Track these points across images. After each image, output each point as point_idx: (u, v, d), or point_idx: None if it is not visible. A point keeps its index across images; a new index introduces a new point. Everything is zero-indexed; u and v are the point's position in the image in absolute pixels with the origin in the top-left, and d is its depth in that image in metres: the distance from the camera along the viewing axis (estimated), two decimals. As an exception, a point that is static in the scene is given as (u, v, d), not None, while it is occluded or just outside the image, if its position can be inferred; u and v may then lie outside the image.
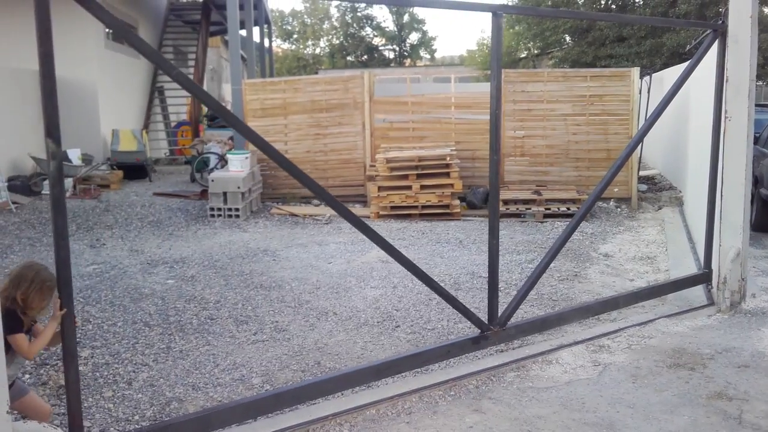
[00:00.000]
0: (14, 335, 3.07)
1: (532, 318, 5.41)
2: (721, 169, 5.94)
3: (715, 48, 6.06)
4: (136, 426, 3.99)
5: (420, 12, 55.03)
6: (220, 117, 3.84)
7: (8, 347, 3.10)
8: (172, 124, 18.77)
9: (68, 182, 12.27)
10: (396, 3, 4.75)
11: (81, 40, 14.76)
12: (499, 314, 4.80)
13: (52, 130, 3.04)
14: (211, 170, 12.52)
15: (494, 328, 4.76)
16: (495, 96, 4.54)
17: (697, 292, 6.45)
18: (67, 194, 12.02)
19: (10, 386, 3.26)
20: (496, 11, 4.49)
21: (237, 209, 10.42)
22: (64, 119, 14.00)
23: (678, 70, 11.51)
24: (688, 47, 8.99)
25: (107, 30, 16.31)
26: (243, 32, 17.66)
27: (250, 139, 3.87)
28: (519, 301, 4.96)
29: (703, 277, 6.30)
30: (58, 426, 3.51)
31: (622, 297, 5.85)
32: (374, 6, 54.47)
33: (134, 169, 14.34)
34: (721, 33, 5.97)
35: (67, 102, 14.60)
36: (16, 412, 3.34)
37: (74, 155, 13.34)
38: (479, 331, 4.72)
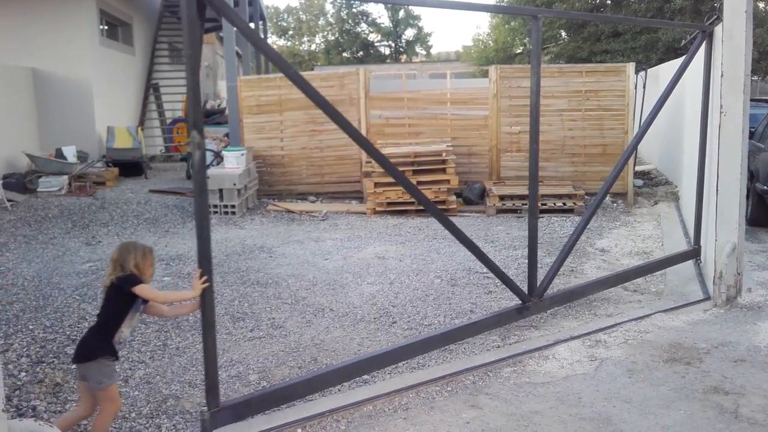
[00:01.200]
0: (139, 285, 3.44)
1: (561, 290, 5.90)
2: (717, 164, 5.97)
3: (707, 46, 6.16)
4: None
5: (415, 8, 54.99)
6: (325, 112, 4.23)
7: (127, 309, 3.50)
8: (168, 121, 18.69)
9: (63, 180, 12.23)
10: (445, 6, 4.99)
11: (75, 38, 14.70)
12: (536, 287, 5.33)
13: (197, 123, 3.46)
14: (207, 167, 12.48)
15: (534, 299, 5.29)
16: (535, 91, 5.11)
17: (693, 287, 6.47)
18: (62, 192, 12.00)
19: (117, 358, 3.55)
20: (537, 15, 5.13)
21: (233, 206, 10.40)
22: (60, 116, 14.09)
23: (673, 65, 11.53)
24: (683, 42, 9.02)
25: (101, 26, 16.25)
26: (238, 29, 17.60)
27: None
28: (552, 276, 5.47)
29: (694, 253, 6.93)
30: (53, 425, 3.50)
31: (632, 270, 6.48)
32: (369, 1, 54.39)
33: (130, 167, 14.29)
34: (708, 34, 6.34)
35: (62, 99, 14.61)
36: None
37: (69, 152, 13.30)
38: (521, 302, 5.24)
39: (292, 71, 3.99)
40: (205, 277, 3.45)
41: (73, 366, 4.76)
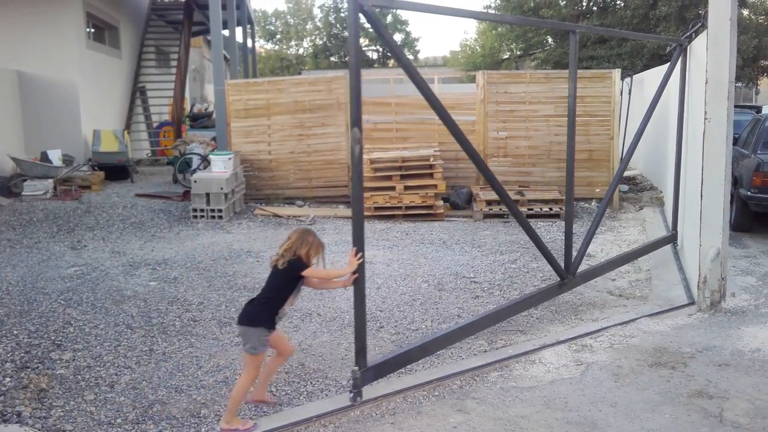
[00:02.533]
0: (308, 269, 3.95)
1: (588, 268, 6.55)
2: (701, 169, 6.02)
3: (696, 54, 6.32)
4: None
5: (403, 12, 55.03)
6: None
7: (293, 289, 3.98)
8: (154, 125, 18.62)
9: (49, 183, 12.14)
10: (494, 19, 5.45)
11: (62, 40, 14.61)
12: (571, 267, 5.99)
13: (358, 121, 4.08)
14: (194, 171, 12.44)
15: (569, 277, 5.93)
16: (572, 95, 6.10)
17: (678, 292, 6.53)
18: (48, 195, 11.91)
19: (274, 329, 3.99)
20: (574, 30, 5.90)
21: (220, 210, 10.36)
22: (45, 120, 13.99)
23: (658, 71, 11.63)
24: (668, 49, 9.17)
25: (88, 29, 16.17)
26: (226, 32, 17.58)
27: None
28: (581, 257, 6.13)
29: (671, 238, 8.01)
30: (39, 430, 3.48)
31: (630, 253, 7.38)
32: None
33: (116, 170, 14.21)
34: (683, 48, 7.25)
35: (48, 102, 14.52)
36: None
37: (55, 156, 13.21)
38: (560, 279, 5.87)
39: (418, 77, 4.66)
40: (360, 254, 4.08)
41: (52, 370, 4.74)
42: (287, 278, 3.93)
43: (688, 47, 7.14)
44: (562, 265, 5.90)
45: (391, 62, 56.20)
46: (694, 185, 6.74)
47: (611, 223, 10.14)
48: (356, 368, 4.14)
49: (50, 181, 12.20)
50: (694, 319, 5.77)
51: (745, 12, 22.24)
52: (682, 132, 7.56)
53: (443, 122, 4.89)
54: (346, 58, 54.46)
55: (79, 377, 4.69)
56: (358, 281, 4.16)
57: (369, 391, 4.39)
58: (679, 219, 7.90)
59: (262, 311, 3.92)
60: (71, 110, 14.82)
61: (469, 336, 5.11)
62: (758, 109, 17.71)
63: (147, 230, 9.71)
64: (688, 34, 6.96)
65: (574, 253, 6.08)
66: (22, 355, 5.06)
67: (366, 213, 10.42)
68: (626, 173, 13.98)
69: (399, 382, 4.53)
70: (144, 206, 11.36)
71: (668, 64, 7.31)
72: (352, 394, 4.14)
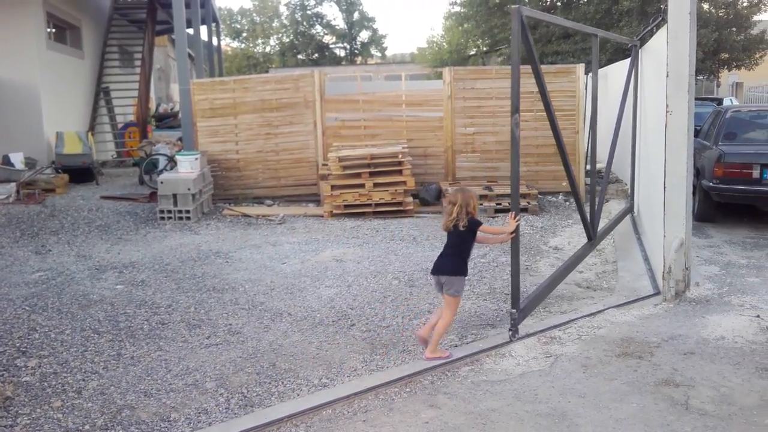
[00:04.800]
0: (484, 224, 4.91)
1: (601, 229, 7.97)
2: (664, 161, 6.13)
3: (651, 51, 6.54)
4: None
5: (370, 10, 55.10)
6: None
7: (473, 241, 4.88)
8: (119, 126, 18.34)
9: (11, 187, 11.89)
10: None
11: (22, 42, 14.32)
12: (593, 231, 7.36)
13: (517, 108, 5.40)
14: (161, 172, 12.29)
15: (594, 238, 7.35)
16: (594, 86, 7.60)
17: (644, 283, 6.63)
18: (10, 200, 11.67)
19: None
20: (596, 34, 7.56)
21: (188, 211, 10.25)
22: (6, 122, 13.74)
23: (621, 66, 11.80)
24: (629, 44, 9.36)
25: (49, 30, 15.86)
26: (190, 31, 17.38)
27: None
28: (598, 223, 7.63)
29: (629, 209, 9.75)
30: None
31: (613, 222, 8.84)
32: (324, 3, 54.40)
33: (80, 173, 13.96)
34: (637, 50, 8.64)
35: (9, 104, 14.23)
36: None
37: (17, 159, 12.94)
38: (588, 239, 7.29)
39: (542, 83, 5.93)
40: (518, 216, 5.03)
41: (17, 377, 4.66)
42: (468, 234, 4.80)
43: (642, 49, 8.11)
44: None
45: (359, 59, 56.16)
46: (647, 174, 7.66)
47: (578, 215, 10.23)
48: (514, 310, 5.14)
49: (13, 184, 11.94)
50: (659, 309, 5.87)
51: (705, 6, 22.62)
52: (635, 125, 9.00)
53: (550, 124, 6.34)
54: (314, 56, 54.16)
55: (46, 384, 4.61)
56: (515, 239, 5.11)
57: (340, 389, 4.40)
58: (635, 193, 9.80)
59: (459, 262, 4.82)
60: (33, 112, 14.53)
61: (558, 284, 6.32)
62: (719, 102, 18.06)
63: (113, 233, 9.57)
64: (649, 28, 7.15)
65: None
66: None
67: (335, 211, 10.43)
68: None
69: (371, 379, 4.54)
70: (110, 209, 11.19)
71: (629, 60, 7.61)
72: (510, 332, 5.12)
